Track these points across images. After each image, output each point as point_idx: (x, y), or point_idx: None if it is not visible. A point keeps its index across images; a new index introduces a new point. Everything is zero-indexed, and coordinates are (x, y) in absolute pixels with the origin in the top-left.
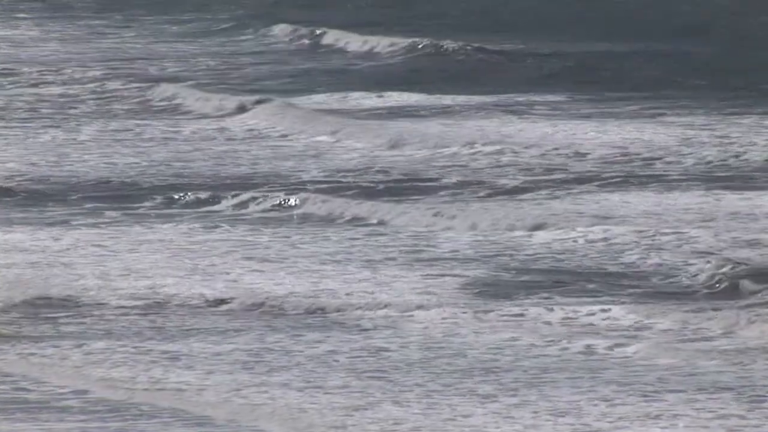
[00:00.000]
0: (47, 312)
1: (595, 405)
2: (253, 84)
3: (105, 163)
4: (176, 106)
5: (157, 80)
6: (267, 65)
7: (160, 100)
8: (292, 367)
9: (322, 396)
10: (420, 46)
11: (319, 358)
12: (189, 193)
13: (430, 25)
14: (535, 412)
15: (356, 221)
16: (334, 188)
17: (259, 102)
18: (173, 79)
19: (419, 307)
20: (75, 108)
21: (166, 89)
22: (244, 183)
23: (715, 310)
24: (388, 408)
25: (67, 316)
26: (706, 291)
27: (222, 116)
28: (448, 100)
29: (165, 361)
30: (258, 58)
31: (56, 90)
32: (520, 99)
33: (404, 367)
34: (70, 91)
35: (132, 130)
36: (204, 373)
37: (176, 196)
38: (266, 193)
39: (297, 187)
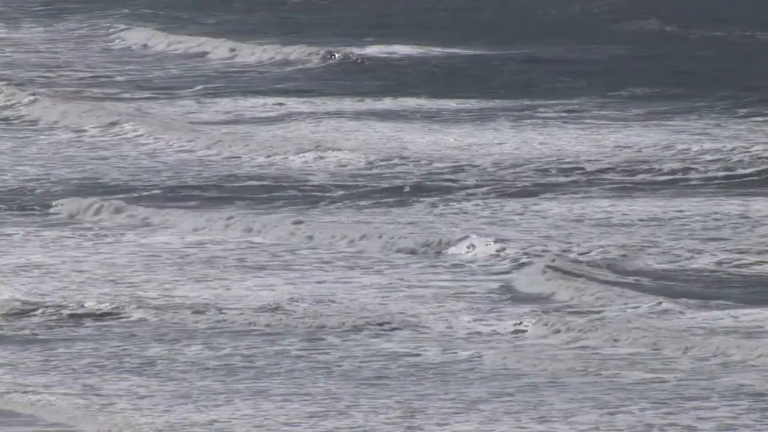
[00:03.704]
0: None
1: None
2: (107, 88)
3: None
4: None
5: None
6: (122, 71)
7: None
8: None
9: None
10: (290, 55)
11: None
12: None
13: (311, 31)
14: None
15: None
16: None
17: (100, 106)
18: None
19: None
20: None
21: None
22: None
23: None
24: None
25: None
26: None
27: (63, 123)
28: (314, 106)
29: None
30: (113, 63)
31: None
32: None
33: None
34: None
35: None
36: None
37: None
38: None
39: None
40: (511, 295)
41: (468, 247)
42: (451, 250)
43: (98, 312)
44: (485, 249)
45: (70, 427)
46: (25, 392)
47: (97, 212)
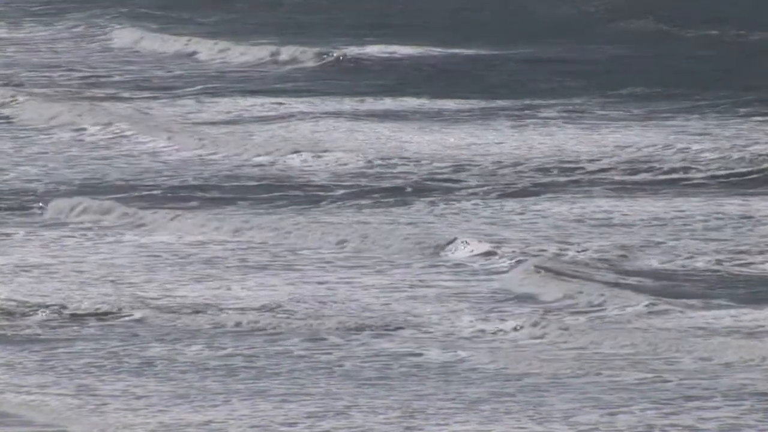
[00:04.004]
0: None
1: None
2: (99, 89)
3: None
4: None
5: None
6: (119, 70)
7: None
8: None
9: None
10: (275, 54)
11: None
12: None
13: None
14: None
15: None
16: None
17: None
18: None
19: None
20: None
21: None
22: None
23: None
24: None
25: None
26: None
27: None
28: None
29: None
30: (110, 62)
31: None
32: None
33: None
34: None
35: None
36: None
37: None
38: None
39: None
40: (510, 295)
41: (464, 245)
42: (450, 249)
43: (98, 312)
44: (485, 249)
45: (60, 427)
46: (18, 392)
47: (84, 212)
